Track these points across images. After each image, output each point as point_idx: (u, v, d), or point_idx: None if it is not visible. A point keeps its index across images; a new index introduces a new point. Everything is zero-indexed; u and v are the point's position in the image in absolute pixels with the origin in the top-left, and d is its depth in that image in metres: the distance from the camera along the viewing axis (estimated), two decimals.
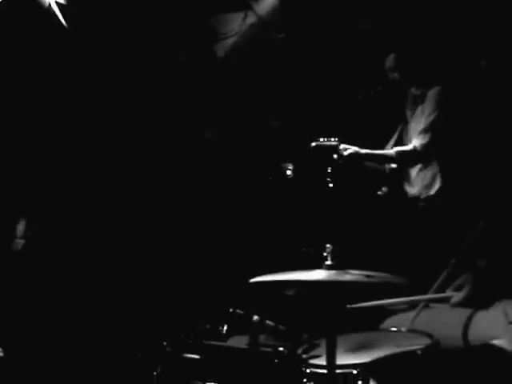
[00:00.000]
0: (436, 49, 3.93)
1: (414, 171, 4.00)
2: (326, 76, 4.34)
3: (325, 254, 2.03)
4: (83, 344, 3.55)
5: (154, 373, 2.21)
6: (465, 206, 3.34)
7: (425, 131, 3.88)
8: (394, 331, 2.50)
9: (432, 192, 3.88)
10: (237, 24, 4.39)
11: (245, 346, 2.31)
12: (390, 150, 3.97)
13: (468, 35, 2.92)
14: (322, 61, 4.32)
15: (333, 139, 3.77)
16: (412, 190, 3.98)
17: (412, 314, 2.60)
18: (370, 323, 2.63)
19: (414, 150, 3.87)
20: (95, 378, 3.37)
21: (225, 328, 2.43)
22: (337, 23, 4.25)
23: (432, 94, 3.89)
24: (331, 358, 2.03)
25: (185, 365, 2.23)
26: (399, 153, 3.92)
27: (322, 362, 2.19)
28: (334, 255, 2.03)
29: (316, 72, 4.34)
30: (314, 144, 3.81)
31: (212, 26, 4.39)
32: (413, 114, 4.07)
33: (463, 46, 3.28)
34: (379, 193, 3.99)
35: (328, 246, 2.03)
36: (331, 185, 3.62)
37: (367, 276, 2.02)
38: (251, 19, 4.32)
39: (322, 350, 2.33)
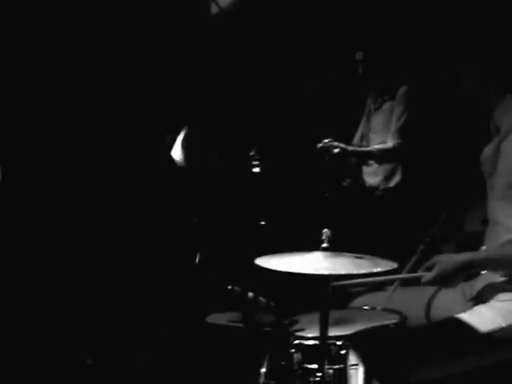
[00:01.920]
0: (405, 47, 4.12)
1: (374, 164, 4.25)
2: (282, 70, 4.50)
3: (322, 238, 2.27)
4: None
5: None
6: (423, 198, 3.64)
7: (400, 131, 4.12)
8: (367, 309, 2.77)
9: (391, 184, 4.15)
10: None
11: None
12: (372, 148, 4.21)
13: (438, 36, 3.10)
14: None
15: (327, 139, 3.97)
16: (372, 180, 4.24)
17: (379, 294, 2.87)
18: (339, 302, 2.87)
19: (394, 149, 4.12)
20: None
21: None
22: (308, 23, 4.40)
23: (402, 92, 4.13)
24: (324, 330, 2.28)
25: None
26: (381, 150, 4.14)
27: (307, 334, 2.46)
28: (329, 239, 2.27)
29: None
30: (320, 145, 3.99)
31: None
32: (377, 107, 4.28)
33: (432, 46, 3.44)
34: (344, 184, 4.24)
35: (325, 230, 2.28)
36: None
37: (359, 258, 2.28)
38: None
39: (301, 324, 2.59)
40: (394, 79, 4.16)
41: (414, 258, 2.89)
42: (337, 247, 2.28)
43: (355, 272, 2.17)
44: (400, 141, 4.08)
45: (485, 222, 3.12)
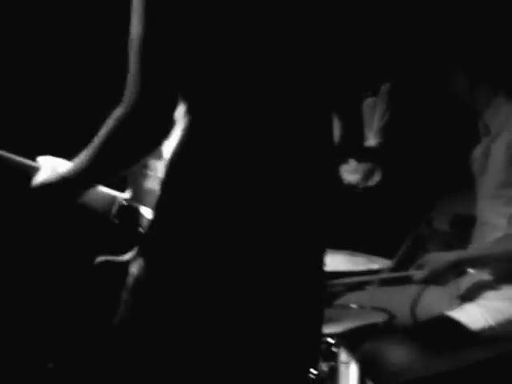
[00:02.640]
0: (389, 41, 4.10)
1: (353, 162, 4.24)
2: None
3: None
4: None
5: None
6: (406, 197, 3.67)
7: (383, 130, 4.11)
8: (354, 307, 2.78)
9: (370, 183, 4.15)
10: None
11: None
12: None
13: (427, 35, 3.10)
14: None
15: None
16: (351, 177, 4.23)
17: (363, 293, 2.88)
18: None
19: (376, 148, 4.11)
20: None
21: None
22: None
23: (385, 89, 4.12)
24: None
25: None
26: (364, 150, 4.13)
27: None
28: None
29: None
30: None
31: None
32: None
33: (422, 43, 3.41)
34: None
35: None
36: None
37: (353, 255, 2.30)
38: None
39: None
40: (376, 74, 4.16)
41: (398, 255, 2.91)
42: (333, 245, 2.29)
43: (353, 269, 2.18)
44: (382, 140, 4.09)
45: (453, 222, 3.17)
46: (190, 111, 1.42)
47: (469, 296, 2.61)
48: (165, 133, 1.37)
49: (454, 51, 2.63)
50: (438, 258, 2.51)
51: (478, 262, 2.56)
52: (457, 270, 2.53)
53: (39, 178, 1.58)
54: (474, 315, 2.50)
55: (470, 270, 2.64)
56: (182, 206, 1.42)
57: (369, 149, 4.12)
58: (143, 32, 1.36)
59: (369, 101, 4.24)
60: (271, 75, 1.44)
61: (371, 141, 4.18)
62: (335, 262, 2.24)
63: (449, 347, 2.47)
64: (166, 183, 1.44)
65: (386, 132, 4.10)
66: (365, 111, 4.33)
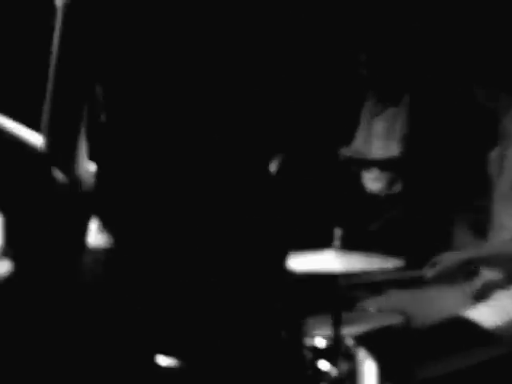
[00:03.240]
0: (411, 51, 4.09)
1: (376, 170, 4.26)
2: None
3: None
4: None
5: None
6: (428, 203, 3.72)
7: (405, 139, 4.11)
8: (372, 311, 2.83)
9: (393, 191, 4.16)
10: None
11: None
12: (377, 156, 4.22)
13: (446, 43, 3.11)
14: None
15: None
16: (373, 185, 4.24)
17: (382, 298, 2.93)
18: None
19: (399, 158, 4.12)
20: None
21: None
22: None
23: (408, 100, 4.13)
24: (337, 330, 2.35)
25: None
26: (386, 160, 4.16)
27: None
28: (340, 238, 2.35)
29: None
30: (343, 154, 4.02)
31: None
32: (378, 112, 4.28)
33: (441, 51, 3.39)
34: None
35: (336, 230, 2.35)
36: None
37: (370, 257, 2.36)
38: None
39: (311, 325, 2.64)
40: (398, 84, 4.14)
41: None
42: (347, 246, 2.36)
43: (367, 269, 2.24)
44: (404, 150, 4.07)
45: (474, 226, 3.22)
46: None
47: (481, 296, 2.67)
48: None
49: (475, 63, 2.70)
50: (451, 257, 2.57)
51: (489, 261, 2.62)
52: (468, 268, 2.59)
53: None
54: (485, 315, 2.56)
55: (483, 271, 2.71)
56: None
57: (391, 158, 4.16)
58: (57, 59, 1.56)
59: (389, 110, 4.24)
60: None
61: (394, 150, 4.20)
62: (351, 262, 2.30)
63: (463, 346, 2.52)
64: None
65: (408, 142, 4.11)
66: (363, 115, 4.34)
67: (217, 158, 1.56)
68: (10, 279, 3.50)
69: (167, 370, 1.56)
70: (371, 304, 2.87)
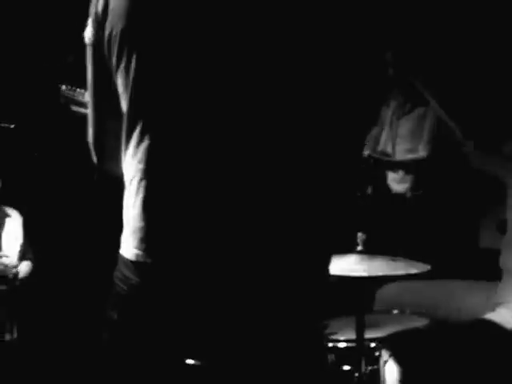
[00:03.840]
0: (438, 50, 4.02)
1: (401, 171, 4.22)
2: None
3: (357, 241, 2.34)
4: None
5: None
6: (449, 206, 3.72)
7: (434, 141, 4.05)
8: (396, 313, 2.83)
9: (418, 193, 4.13)
10: None
11: None
12: (402, 157, 4.18)
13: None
14: None
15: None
16: (398, 187, 4.21)
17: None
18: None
19: (426, 159, 4.07)
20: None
21: None
22: None
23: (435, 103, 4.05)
24: (361, 333, 2.35)
25: None
26: (412, 162, 4.12)
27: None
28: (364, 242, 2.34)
29: None
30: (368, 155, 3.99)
31: None
32: (406, 112, 4.23)
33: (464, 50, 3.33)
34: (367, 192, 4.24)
35: (359, 234, 2.35)
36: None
37: (394, 260, 2.35)
38: None
39: (331, 328, 2.65)
40: (429, 82, 4.04)
41: None
42: (371, 250, 2.35)
43: (392, 273, 2.24)
44: (432, 152, 4.01)
45: (500, 227, 3.21)
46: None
47: (502, 300, 2.67)
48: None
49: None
50: None
51: None
52: None
53: None
54: (506, 318, 2.56)
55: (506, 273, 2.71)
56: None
57: (417, 159, 4.12)
58: (91, 90, 1.69)
59: (418, 110, 4.17)
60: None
61: (420, 151, 4.16)
62: (374, 266, 2.30)
63: (486, 347, 2.52)
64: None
65: (436, 143, 4.06)
66: (386, 115, 4.28)
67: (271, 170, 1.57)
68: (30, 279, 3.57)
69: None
70: (389, 293, 2.87)
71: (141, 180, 1.59)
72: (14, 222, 3.86)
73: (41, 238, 3.93)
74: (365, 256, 2.34)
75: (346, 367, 2.47)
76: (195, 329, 1.55)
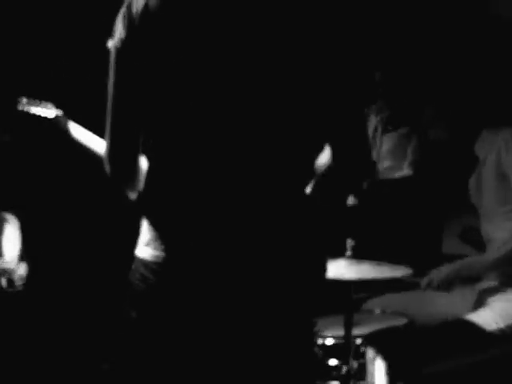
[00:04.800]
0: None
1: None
2: None
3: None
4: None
5: None
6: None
7: (416, 164, 4.19)
8: (378, 313, 3.05)
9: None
10: None
11: None
12: (388, 176, 4.31)
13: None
14: None
15: None
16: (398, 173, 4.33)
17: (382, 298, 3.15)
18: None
19: (407, 180, 4.23)
20: None
21: None
22: None
23: (418, 126, 4.17)
24: (348, 331, 2.57)
25: None
26: (396, 180, 4.26)
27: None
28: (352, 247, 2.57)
29: None
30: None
31: None
32: (389, 129, 4.35)
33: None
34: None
35: (349, 240, 2.58)
36: None
37: (380, 265, 2.59)
38: None
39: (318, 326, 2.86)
40: (417, 103, 4.05)
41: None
42: (359, 255, 2.58)
43: (377, 276, 2.46)
44: (414, 173, 4.16)
45: (463, 235, 3.48)
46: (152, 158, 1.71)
47: (480, 300, 2.90)
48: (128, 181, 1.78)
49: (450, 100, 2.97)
50: (441, 270, 2.83)
51: (472, 270, 2.87)
52: (456, 277, 2.84)
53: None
54: (486, 318, 2.79)
55: (483, 277, 2.95)
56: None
57: (401, 178, 4.27)
58: (112, 99, 1.69)
59: (402, 129, 4.29)
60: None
61: (405, 170, 4.33)
62: (362, 270, 2.53)
63: (465, 346, 2.75)
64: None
65: (418, 167, 4.23)
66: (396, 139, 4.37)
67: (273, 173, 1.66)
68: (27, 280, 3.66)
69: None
70: (376, 305, 3.10)
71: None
72: (12, 226, 3.99)
73: (39, 241, 4.04)
74: (353, 261, 2.58)
75: (333, 361, 2.69)
76: (210, 325, 1.65)
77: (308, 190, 1.73)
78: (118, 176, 1.76)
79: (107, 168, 1.74)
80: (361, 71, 1.72)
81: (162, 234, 1.66)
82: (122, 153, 1.73)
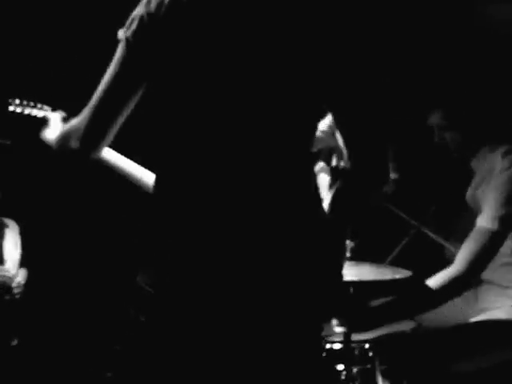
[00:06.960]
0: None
1: None
2: None
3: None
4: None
5: None
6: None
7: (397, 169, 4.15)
8: None
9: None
10: None
11: None
12: None
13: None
14: None
15: None
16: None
17: None
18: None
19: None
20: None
21: None
22: None
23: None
24: (348, 335, 2.49)
25: None
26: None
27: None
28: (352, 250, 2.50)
29: None
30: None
31: None
32: None
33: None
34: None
35: (348, 242, 2.50)
36: None
37: (379, 267, 2.51)
38: None
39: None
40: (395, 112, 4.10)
41: (398, 249, 3.10)
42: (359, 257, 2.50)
43: (379, 278, 2.39)
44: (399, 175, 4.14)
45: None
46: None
47: (483, 304, 2.82)
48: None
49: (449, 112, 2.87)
50: None
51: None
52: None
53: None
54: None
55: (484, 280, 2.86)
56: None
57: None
58: (107, 88, 1.69)
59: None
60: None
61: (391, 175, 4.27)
62: (362, 272, 2.45)
63: (471, 350, 2.66)
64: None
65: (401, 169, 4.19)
66: None
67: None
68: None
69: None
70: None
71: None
72: (13, 231, 3.96)
73: (38, 247, 4.02)
74: (353, 263, 2.50)
75: (340, 366, 2.61)
76: (218, 328, 1.65)
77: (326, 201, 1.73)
78: (80, 156, 1.78)
79: (72, 143, 1.75)
80: (368, 65, 1.72)
81: (171, 238, 1.66)
82: (96, 141, 1.76)
